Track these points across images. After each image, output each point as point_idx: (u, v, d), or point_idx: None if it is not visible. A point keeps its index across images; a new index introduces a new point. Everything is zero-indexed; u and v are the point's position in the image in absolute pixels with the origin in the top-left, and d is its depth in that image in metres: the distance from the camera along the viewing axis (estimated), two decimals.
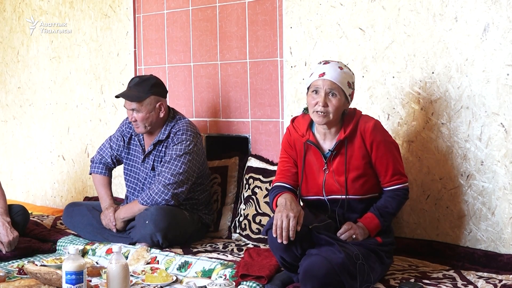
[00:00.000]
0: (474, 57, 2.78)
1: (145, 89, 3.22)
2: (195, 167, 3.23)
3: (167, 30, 3.91)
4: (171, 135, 3.25)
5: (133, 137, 3.41)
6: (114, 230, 3.26)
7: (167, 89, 3.42)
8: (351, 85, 2.58)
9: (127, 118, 3.41)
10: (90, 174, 3.55)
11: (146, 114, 3.21)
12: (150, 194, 3.14)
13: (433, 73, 2.90)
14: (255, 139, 3.57)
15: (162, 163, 3.22)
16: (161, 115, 3.25)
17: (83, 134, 4.41)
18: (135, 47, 4.07)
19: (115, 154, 3.46)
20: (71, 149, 4.49)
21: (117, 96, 3.27)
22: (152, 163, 3.30)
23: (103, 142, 3.55)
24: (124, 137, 3.43)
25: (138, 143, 3.37)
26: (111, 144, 3.47)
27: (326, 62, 2.59)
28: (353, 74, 2.61)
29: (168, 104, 3.73)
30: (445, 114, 2.88)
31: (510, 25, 2.68)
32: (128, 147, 3.43)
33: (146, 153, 3.32)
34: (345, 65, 2.61)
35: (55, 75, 4.57)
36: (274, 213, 2.47)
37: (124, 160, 3.45)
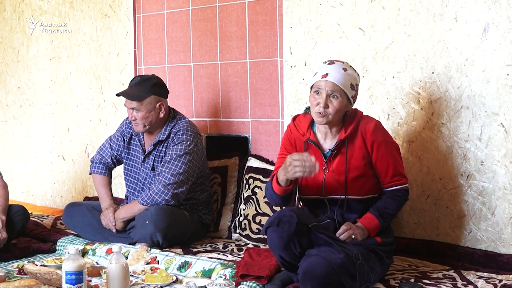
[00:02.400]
0: (474, 57, 2.78)
1: (146, 88, 3.22)
2: (195, 167, 3.23)
3: (167, 30, 3.91)
4: (171, 135, 3.25)
5: (133, 137, 3.41)
6: (114, 230, 3.26)
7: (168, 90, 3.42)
8: (354, 87, 2.56)
9: (127, 118, 3.41)
10: (90, 174, 3.55)
11: (146, 114, 3.22)
12: (150, 194, 3.14)
13: (433, 73, 2.90)
14: (255, 139, 3.57)
15: (162, 163, 3.22)
16: (161, 115, 3.25)
17: (83, 134, 4.41)
18: (135, 47, 4.07)
19: (115, 154, 3.46)
20: (71, 149, 4.49)
21: (117, 94, 3.27)
22: (152, 163, 3.30)
23: (103, 142, 3.55)
24: (124, 137, 3.43)
25: (139, 143, 3.37)
26: (111, 144, 3.47)
27: (331, 63, 2.57)
28: (358, 75, 2.58)
29: (168, 104, 3.73)
30: (445, 114, 2.88)
31: (510, 25, 2.68)
32: (128, 147, 3.43)
33: (146, 153, 3.32)
34: (350, 66, 2.58)
35: (55, 75, 4.57)
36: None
37: (124, 160, 3.45)
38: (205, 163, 3.38)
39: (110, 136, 3.52)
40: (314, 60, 3.26)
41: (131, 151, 3.42)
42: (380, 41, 3.04)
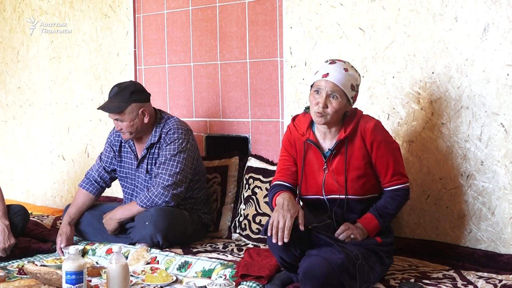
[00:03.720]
0: (474, 57, 2.78)
1: (125, 98, 3.18)
2: (190, 164, 3.22)
3: (167, 30, 3.91)
4: (162, 135, 3.23)
5: (123, 144, 3.38)
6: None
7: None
8: (354, 87, 2.55)
9: (114, 128, 3.39)
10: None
11: (130, 122, 3.19)
12: (150, 196, 3.13)
13: (433, 73, 2.90)
14: (255, 139, 3.57)
15: (157, 164, 3.21)
16: (146, 120, 3.22)
17: (83, 134, 4.41)
18: (135, 47, 4.07)
19: (103, 165, 3.40)
20: (71, 149, 4.49)
21: (98, 109, 3.24)
22: (146, 166, 3.28)
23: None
24: (113, 147, 3.40)
25: (129, 149, 3.35)
26: (102, 157, 3.44)
27: (332, 62, 2.56)
28: (358, 76, 2.57)
29: (167, 104, 3.72)
30: (445, 114, 2.88)
31: (510, 25, 2.68)
32: (119, 155, 3.40)
33: (140, 158, 3.30)
34: (352, 67, 2.57)
35: (55, 75, 4.57)
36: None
37: (117, 169, 3.41)
38: (200, 159, 3.36)
39: (102, 151, 3.49)
40: (314, 60, 3.26)
41: (123, 159, 3.39)
42: (380, 41, 3.04)
